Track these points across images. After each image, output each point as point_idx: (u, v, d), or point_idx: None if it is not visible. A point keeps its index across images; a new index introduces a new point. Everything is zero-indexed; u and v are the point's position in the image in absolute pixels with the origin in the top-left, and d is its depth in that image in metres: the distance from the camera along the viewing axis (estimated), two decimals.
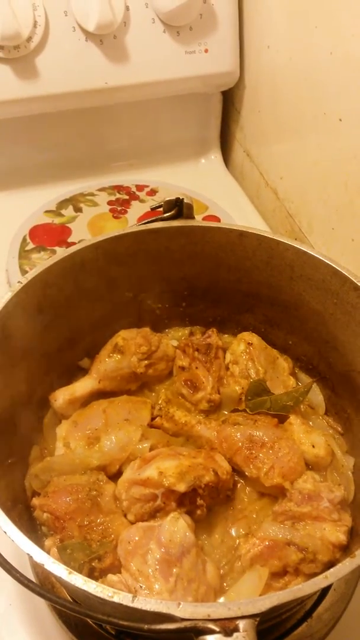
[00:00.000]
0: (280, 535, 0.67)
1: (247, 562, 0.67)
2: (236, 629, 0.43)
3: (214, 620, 0.45)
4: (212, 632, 0.43)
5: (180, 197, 0.85)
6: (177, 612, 0.45)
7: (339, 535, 0.68)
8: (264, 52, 1.28)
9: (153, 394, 0.90)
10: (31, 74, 1.18)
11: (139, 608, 0.46)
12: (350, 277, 0.77)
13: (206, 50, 1.29)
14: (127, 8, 1.19)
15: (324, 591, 0.74)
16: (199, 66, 1.30)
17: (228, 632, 0.43)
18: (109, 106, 1.35)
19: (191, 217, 0.87)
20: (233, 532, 0.73)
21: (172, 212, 0.86)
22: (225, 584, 0.68)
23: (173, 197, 0.86)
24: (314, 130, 1.12)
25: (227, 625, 0.44)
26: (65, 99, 1.24)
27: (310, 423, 0.84)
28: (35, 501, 0.71)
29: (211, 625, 0.44)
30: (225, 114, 1.51)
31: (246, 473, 0.76)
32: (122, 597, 0.46)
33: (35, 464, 0.77)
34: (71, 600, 0.58)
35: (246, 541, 0.69)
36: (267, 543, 0.67)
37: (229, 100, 1.48)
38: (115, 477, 0.76)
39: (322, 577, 0.49)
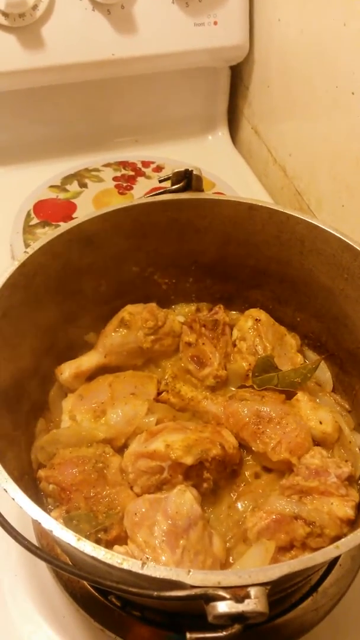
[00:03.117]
0: (288, 509, 0.67)
1: (254, 536, 0.67)
2: (247, 596, 0.43)
3: (225, 588, 0.44)
4: (222, 598, 0.43)
5: (190, 169, 0.84)
6: (187, 580, 0.45)
7: (346, 510, 0.67)
8: (275, 25, 1.25)
9: (159, 369, 0.89)
10: (36, 44, 1.15)
11: (148, 575, 0.46)
12: None
13: (215, 23, 1.26)
14: None
15: (330, 566, 0.74)
16: (208, 39, 1.27)
17: (239, 599, 0.43)
18: (115, 79, 1.32)
19: (200, 189, 0.85)
20: (239, 506, 0.72)
21: (181, 184, 0.84)
22: (231, 558, 0.68)
23: (182, 169, 0.84)
24: (326, 104, 1.10)
25: (238, 593, 0.43)
26: (71, 70, 1.21)
27: (318, 400, 0.84)
28: (42, 473, 0.71)
29: (222, 593, 0.43)
30: (233, 90, 1.48)
31: (253, 448, 0.75)
32: (131, 564, 0.46)
33: (41, 436, 0.77)
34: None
35: (253, 515, 0.69)
36: (274, 517, 0.67)
37: (237, 76, 1.46)
38: (121, 450, 0.75)
39: (333, 547, 0.49)
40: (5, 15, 1.10)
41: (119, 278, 0.89)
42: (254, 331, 0.88)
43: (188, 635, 0.43)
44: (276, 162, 1.34)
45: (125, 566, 0.46)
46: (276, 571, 0.46)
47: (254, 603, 0.42)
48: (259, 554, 0.65)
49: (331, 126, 1.09)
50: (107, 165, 1.36)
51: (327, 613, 0.72)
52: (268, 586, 0.45)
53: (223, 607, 0.43)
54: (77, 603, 0.71)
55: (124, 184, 1.31)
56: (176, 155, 1.40)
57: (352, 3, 0.97)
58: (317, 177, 1.17)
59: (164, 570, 0.45)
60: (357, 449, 0.78)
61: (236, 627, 0.42)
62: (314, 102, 1.14)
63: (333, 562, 0.75)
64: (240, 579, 0.44)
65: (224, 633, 0.42)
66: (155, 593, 0.45)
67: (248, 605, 0.42)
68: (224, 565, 0.66)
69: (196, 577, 0.45)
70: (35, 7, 1.12)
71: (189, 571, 0.45)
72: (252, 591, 0.43)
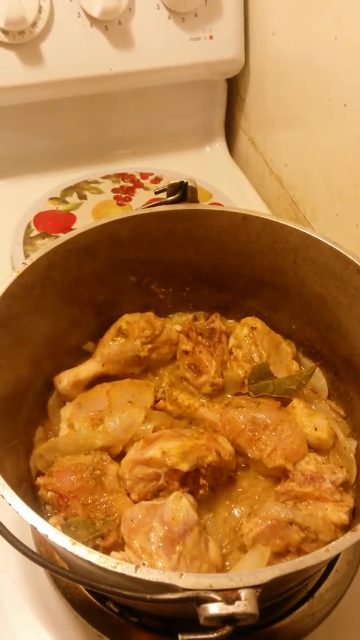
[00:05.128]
0: (283, 515, 0.68)
1: (250, 542, 0.68)
2: (238, 598, 0.44)
3: (216, 591, 0.45)
4: (213, 600, 0.44)
5: (185, 181, 0.85)
6: (180, 583, 0.46)
7: (341, 515, 0.68)
8: (269, 38, 1.27)
9: (157, 377, 0.90)
10: (36, 60, 1.18)
11: (141, 578, 0.46)
12: (354, 260, 0.76)
13: (211, 37, 1.29)
14: None
15: (326, 572, 0.75)
16: (204, 53, 1.29)
17: (229, 601, 0.44)
18: (113, 93, 1.35)
19: (195, 200, 0.87)
20: (236, 512, 0.73)
21: (176, 195, 0.86)
22: (227, 563, 0.69)
23: (177, 181, 0.86)
24: (319, 116, 1.12)
25: (229, 595, 0.44)
26: (70, 85, 1.24)
27: (313, 407, 0.84)
28: (40, 480, 0.72)
29: (213, 595, 0.44)
30: (230, 102, 1.50)
31: (249, 455, 0.76)
32: (125, 567, 0.47)
33: (39, 444, 0.78)
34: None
35: (249, 521, 0.69)
36: (269, 522, 0.67)
37: (234, 88, 1.48)
38: (118, 458, 0.76)
39: (323, 550, 0.49)
40: (5, 32, 1.13)
41: (116, 288, 0.90)
42: (249, 339, 0.89)
43: (180, 637, 0.44)
44: (272, 173, 1.36)
45: (118, 569, 0.47)
46: (267, 574, 0.47)
47: (244, 605, 0.43)
48: (255, 560, 0.65)
49: (325, 137, 1.11)
50: (106, 177, 1.38)
51: (323, 618, 0.72)
52: (259, 589, 0.45)
53: (214, 608, 0.43)
54: (75, 609, 0.72)
55: (123, 196, 1.33)
56: (174, 166, 1.42)
57: (342, 18, 0.99)
58: (312, 187, 1.19)
59: (156, 574, 0.46)
60: (352, 455, 0.79)
61: (227, 629, 0.43)
62: (308, 114, 1.16)
63: (329, 567, 0.75)
64: (232, 581, 0.45)
65: (215, 634, 0.43)
66: (149, 596, 0.46)
67: (238, 607, 0.43)
68: (220, 570, 0.67)
69: (188, 580, 0.46)
70: (34, 24, 1.15)
71: (182, 574, 0.46)
72: (243, 593, 0.44)
